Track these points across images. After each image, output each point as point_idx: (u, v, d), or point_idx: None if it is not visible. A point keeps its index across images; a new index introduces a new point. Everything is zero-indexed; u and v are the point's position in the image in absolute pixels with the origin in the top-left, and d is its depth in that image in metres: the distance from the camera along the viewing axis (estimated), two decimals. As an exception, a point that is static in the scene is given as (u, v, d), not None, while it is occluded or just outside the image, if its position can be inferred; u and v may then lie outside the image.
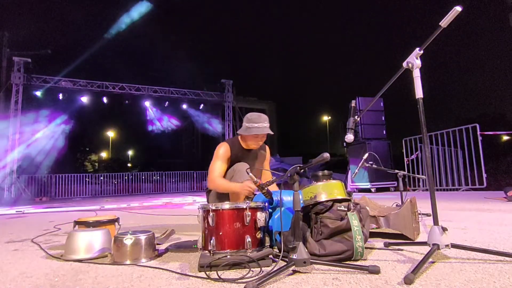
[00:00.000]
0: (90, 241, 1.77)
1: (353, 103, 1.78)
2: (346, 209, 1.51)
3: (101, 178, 16.42)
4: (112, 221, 2.22)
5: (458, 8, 1.36)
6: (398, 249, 1.67)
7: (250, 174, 1.74)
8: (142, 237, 1.68)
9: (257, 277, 1.26)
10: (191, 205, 6.42)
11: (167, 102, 15.24)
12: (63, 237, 2.53)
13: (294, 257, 1.27)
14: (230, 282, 1.24)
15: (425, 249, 1.45)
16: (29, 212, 5.90)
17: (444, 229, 1.37)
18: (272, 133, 2.30)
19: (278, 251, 1.63)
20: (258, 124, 2.24)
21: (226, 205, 1.56)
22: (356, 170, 2.91)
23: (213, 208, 1.55)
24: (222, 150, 2.30)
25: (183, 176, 17.07)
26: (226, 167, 2.31)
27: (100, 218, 2.22)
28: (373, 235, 2.03)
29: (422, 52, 1.49)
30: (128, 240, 1.64)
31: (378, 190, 8.08)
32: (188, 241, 2.04)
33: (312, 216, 1.57)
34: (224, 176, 2.30)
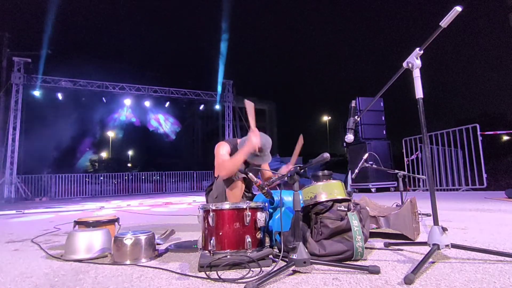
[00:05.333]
0: (90, 241, 1.77)
1: (353, 103, 1.78)
2: (346, 209, 1.51)
3: (101, 178, 16.41)
4: (112, 221, 2.22)
5: (458, 8, 1.36)
6: (398, 249, 1.67)
7: (250, 174, 1.74)
8: (142, 237, 1.68)
9: (257, 277, 1.26)
10: (190, 205, 6.42)
11: (167, 102, 15.24)
12: (63, 237, 2.53)
13: (294, 257, 1.27)
14: (230, 282, 1.24)
15: (425, 249, 1.46)
16: (29, 212, 5.90)
17: (444, 229, 1.37)
18: (267, 162, 2.25)
19: (278, 251, 1.63)
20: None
21: (226, 205, 1.56)
22: (356, 170, 2.91)
23: (213, 208, 1.55)
24: (223, 147, 2.31)
25: (183, 176, 17.07)
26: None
27: (100, 218, 2.22)
28: (373, 235, 2.03)
29: (422, 52, 1.49)
30: (128, 240, 1.64)
31: (378, 190, 8.07)
32: (188, 241, 2.04)
33: (312, 216, 1.57)
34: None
